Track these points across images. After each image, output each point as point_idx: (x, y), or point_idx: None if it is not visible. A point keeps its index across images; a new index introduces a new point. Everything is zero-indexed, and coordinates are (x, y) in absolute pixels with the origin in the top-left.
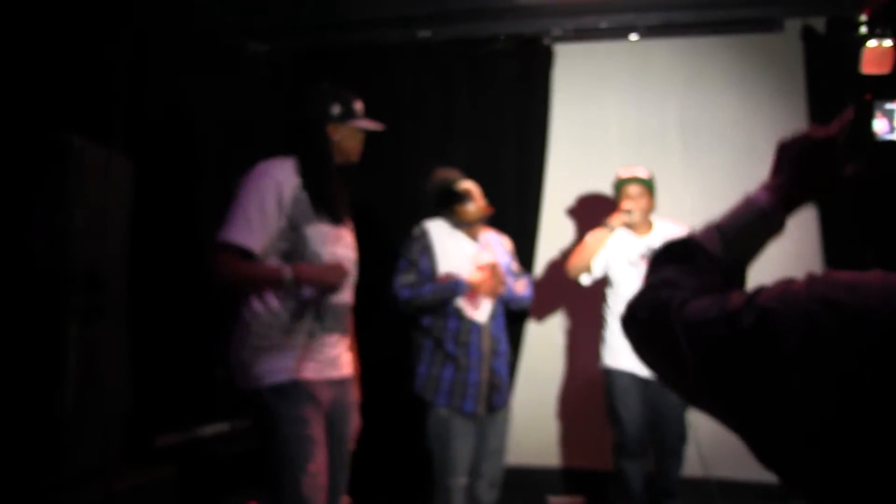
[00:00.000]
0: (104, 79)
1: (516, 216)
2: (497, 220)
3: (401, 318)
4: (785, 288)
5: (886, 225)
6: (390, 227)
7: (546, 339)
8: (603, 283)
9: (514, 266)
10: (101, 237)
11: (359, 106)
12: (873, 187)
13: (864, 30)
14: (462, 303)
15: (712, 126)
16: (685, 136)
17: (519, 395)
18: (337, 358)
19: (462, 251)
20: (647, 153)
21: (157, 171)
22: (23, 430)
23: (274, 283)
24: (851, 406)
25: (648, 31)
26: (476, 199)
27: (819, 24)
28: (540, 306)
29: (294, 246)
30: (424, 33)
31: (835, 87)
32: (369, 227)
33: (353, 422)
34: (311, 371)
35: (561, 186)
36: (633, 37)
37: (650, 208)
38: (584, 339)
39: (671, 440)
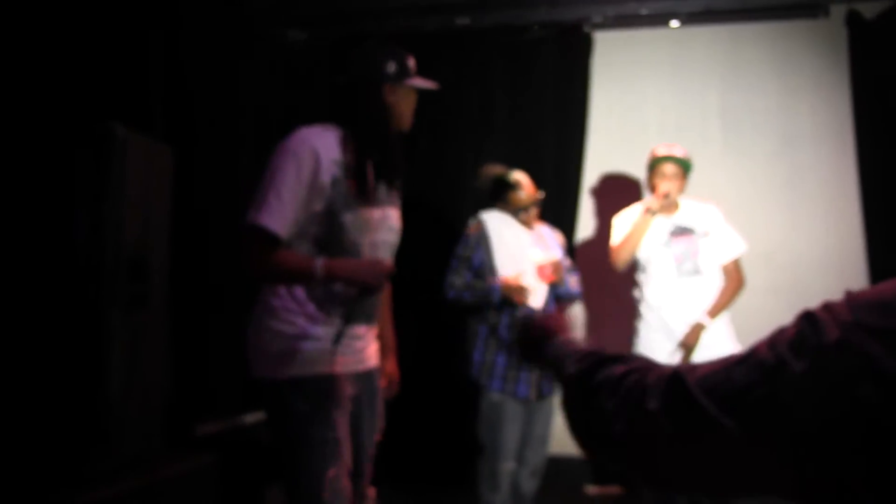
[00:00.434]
0: (145, 68)
1: (555, 204)
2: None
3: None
4: (815, 327)
5: None
6: (431, 217)
7: (588, 328)
8: (632, 269)
9: (567, 261)
10: (144, 225)
11: (412, 62)
12: None
13: None
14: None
15: (753, 114)
16: (725, 124)
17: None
18: (363, 350)
19: (518, 240)
20: (687, 141)
21: (198, 159)
22: (67, 419)
23: (304, 278)
24: None
25: (689, 18)
26: (526, 187)
27: (865, 9)
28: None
29: (329, 233)
30: (463, 21)
31: (880, 75)
32: (409, 218)
33: (380, 411)
34: (338, 365)
35: (600, 175)
36: (675, 23)
37: (681, 189)
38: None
39: None
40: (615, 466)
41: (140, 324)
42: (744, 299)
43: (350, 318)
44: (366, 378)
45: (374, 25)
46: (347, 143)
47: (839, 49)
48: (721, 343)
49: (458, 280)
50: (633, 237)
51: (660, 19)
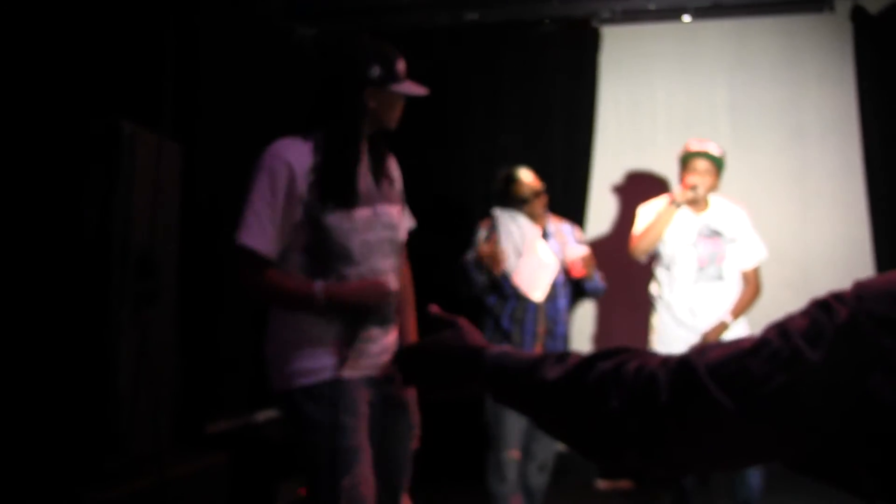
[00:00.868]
0: (154, 64)
1: (564, 199)
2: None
3: (466, 300)
4: (828, 314)
5: None
6: (437, 211)
7: (597, 322)
8: (650, 264)
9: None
10: (153, 222)
11: (401, 66)
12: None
13: None
14: (518, 279)
15: (761, 108)
16: (734, 118)
17: None
18: (379, 354)
19: (523, 233)
20: (696, 135)
21: (207, 155)
22: (76, 415)
23: (304, 305)
24: None
25: (697, 13)
26: (525, 180)
27: (870, 4)
28: None
29: (317, 240)
30: (472, 16)
31: (884, 68)
32: (414, 211)
33: (413, 418)
34: (350, 370)
35: (609, 169)
36: (686, 18)
37: (713, 187)
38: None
39: None
40: (624, 464)
41: (149, 321)
42: None
43: (357, 323)
44: (387, 383)
45: (382, 21)
46: (321, 146)
47: (845, 43)
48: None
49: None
50: (655, 227)
51: (668, 14)
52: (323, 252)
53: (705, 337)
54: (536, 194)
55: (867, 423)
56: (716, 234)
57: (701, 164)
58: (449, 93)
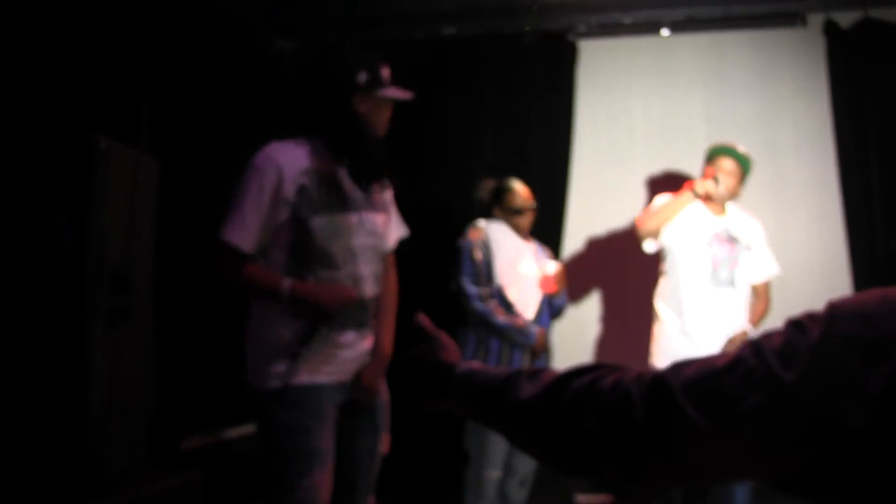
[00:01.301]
0: (131, 79)
1: (543, 211)
2: None
3: (446, 312)
4: (802, 335)
5: None
6: (417, 223)
7: (576, 335)
8: (647, 268)
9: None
10: (128, 238)
11: (386, 72)
12: None
13: None
14: (513, 298)
15: (736, 120)
16: (710, 131)
17: None
18: (353, 359)
19: (517, 251)
20: (673, 148)
21: (185, 171)
22: (48, 432)
23: (272, 296)
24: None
25: (672, 27)
26: (522, 191)
27: (842, 19)
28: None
29: (300, 241)
30: (450, 30)
31: (856, 81)
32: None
33: (382, 422)
34: (320, 375)
35: (587, 182)
36: (665, 32)
37: (735, 193)
38: (615, 333)
39: None
40: (602, 480)
41: (123, 337)
42: None
43: (322, 325)
44: (357, 388)
45: (361, 34)
46: (317, 151)
47: (818, 57)
48: None
49: (485, 292)
50: (666, 210)
51: (644, 28)
52: (305, 253)
53: (730, 343)
54: (530, 207)
55: (839, 445)
56: (732, 238)
57: (727, 164)
58: (427, 106)
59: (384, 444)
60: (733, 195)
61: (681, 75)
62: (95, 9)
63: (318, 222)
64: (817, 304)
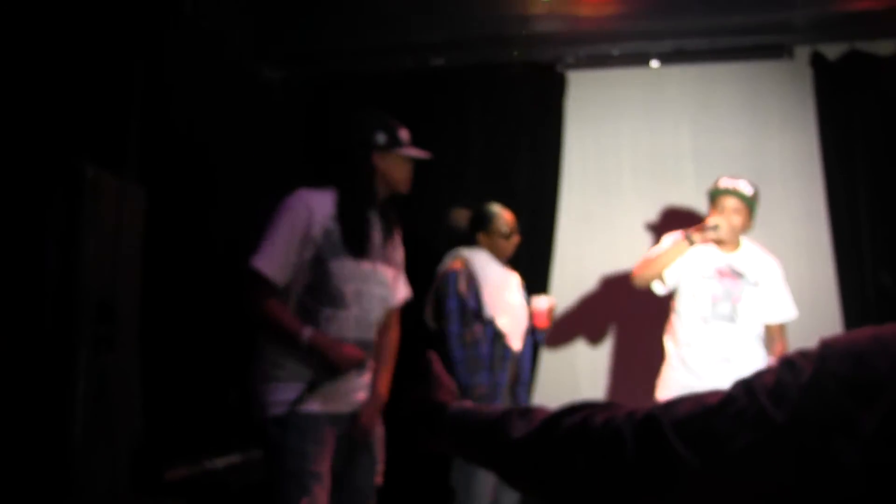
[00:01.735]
0: (118, 107)
1: (530, 242)
2: None
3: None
4: (793, 373)
5: None
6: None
7: (565, 367)
8: (636, 301)
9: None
10: (114, 266)
11: (404, 134)
12: None
13: None
14: (503, 328)
15: (724, 152)
16: (698, 162)
17: None
18: (351, 392)
19: (504, 281)
20: (661, 179)
21: (171, 199)
22: (32, 461)
23: (291, 338)
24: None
25: (660, 59)
26: (506, 215)
27: (828, 51)
28: (557, 333)
29: (318, 279)
30: (438, 61)
31: (843, 113)
32: None
33: (377, 454)
34: (318, 404)
35: (575, 213)
36: (654, 64)
37: (744, 227)
38: (604, 366)
39: None
40: None
41: (108, 365)
42: None
43: (329, 372)
44: (354, 420)
45: (349, 65)
46: (340, 200)
47: (805, 89)
48: None
49: (468, 336)
50: (661, 259)
51: (632, 59)
52: (319, 292)
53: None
54: (516, 231)
55: (830, 485)
56: (736, 273)
57: (730, 203)
58: (415, 136)
59: (379, 476)
60: (742, 230)
61: (669, 106)
62: (83, 36)
63: (337, 264)
64: (806, 336)
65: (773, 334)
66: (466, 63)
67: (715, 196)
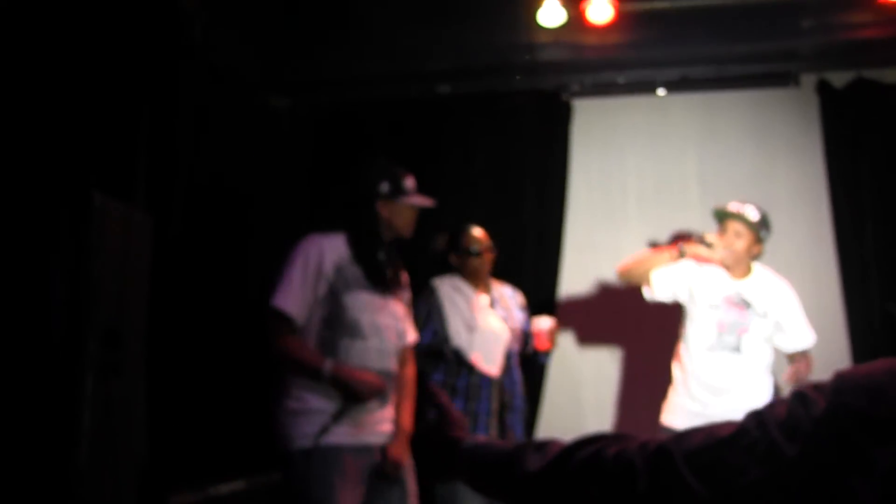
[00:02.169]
0: (126, 135)
1: (536, 270)
2: (517, 274)
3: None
4: (805, 406)
5: None
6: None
7: (570, 393)
8: (642, 325)
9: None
10: (121, 294)
11: (409, 183)
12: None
13: None
14: (475, 358)
15: (730, 179)
16: (704, 190)
17: None
18: (376, 423)
19: (474, 304)
20: (667, 206)
21: (178, 227)
22: (38, 486)
23: (313, 372)
24: None
25: (666, 87)
26: (476, 232)
27: (835, 78)
28: (563, 359)
29: (334, 312)
30: (444, 89)
31: (850, 140)
32: None
33: (408, 488)
34: (342, 436)
35: (580, 240)
36: (660, 92)
37: (750, 253)
38: (610, 391)
39: None
40: None
41: (114, 392)
42: None
43: (351, 401)
44: (381, 454)
45: (356, 93)
46: (349, 244)
47: (812, 116)
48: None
49: (429, 368)
50: (646, 260)
51: (637, 87)
52: (337, 325)
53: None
54: (487, 248)
55: None
56: (745, 303)
57: (732, 226)
58: (420, 164)
59: None
60: (749, 255)
61: (674, 134)
62: (92, 64)
63: (350, 297)
64: (814, 363)
65: (795, 358)
66: (472, 91)
67: (720, 219)
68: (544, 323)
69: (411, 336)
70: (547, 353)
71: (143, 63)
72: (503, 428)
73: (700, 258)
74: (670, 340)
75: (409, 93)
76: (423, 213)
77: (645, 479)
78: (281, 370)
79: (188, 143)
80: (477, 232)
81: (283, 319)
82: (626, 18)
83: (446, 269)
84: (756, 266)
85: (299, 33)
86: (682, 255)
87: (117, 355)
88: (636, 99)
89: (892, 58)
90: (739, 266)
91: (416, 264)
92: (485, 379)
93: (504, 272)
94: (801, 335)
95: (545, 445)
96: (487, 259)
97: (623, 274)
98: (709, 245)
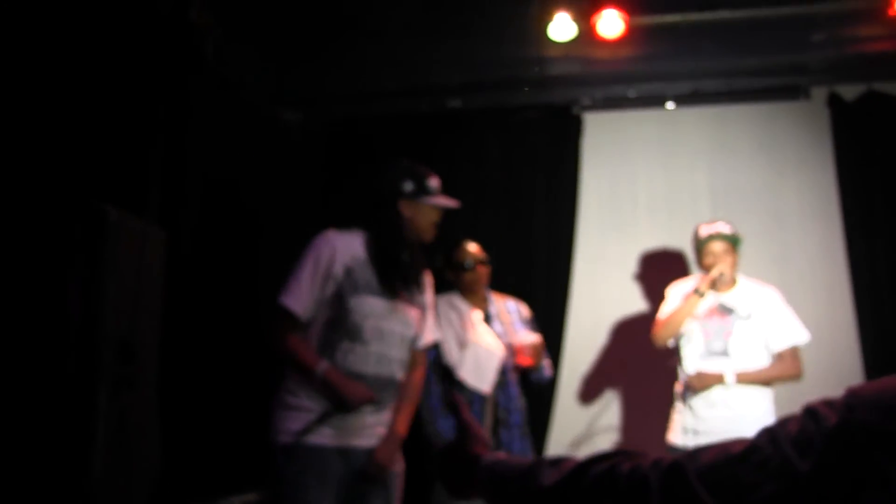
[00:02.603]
0: (140, 150)
1: (548, 283)
2: (528, 288)
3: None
4: (816, 422)
5: None
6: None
7: (579, 407)
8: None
9: (538, 339)
10: (135, 308)
11: (434, 183)
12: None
13: None
14: (464, 374)
15: (741, 193)
16: (714, 203)
17: None
18: (369, 427)
19: (467, 321)
20: (677, 220)
21: (191, 241)
22: (52, 498)
23: (307, 372)
24: None
25: (677, 100)
26: (468, 246)
27: (845, 91)
28: (573, 373)
29: (337, 315)
30: (455, 103)
31: (861, 153)
32: None
33: (392, 493)
34: (328, 437)
35: (591, 254)
36: (670, 105)
37: (735, 264)
38: (621, 405)
39: None
40: None
41: (127, 406)
42: None
43: (341, 407)
44: (367, 457)
45: (368, 107)
46: (367, 244)
47: (822, 129)
48: (762, 421)
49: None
50: (676, 317)
51: (648, 101)
52: (339, 327)
53: (695, 377)
54: (480, 262)
55: None
56: (727, 310)
57: (717, 246)
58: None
59: None
60: (734, 268)
61: (685, 148)
62: (105, 81)
63: (356, 301)
64: (826, 377)
65: (784, 359)
66: (483, 105)
67: (701, 245)
68: (526, 338)
69: (425, 340)
70: (534, 370)
71: (155, 78)
72: (498, 445)
73: (719, 287)
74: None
75: (420, 107)
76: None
77: (658, 496)
78: (282, 365)
79: (201, 158)
80: (471, 247)
81: (288, 317)
82: (637, 32)
83: (446, 286)
84: (740, 278)
85: (311, 48)
86: (702, 296)
87: (131, 368)
88: (647, 112)
89: None
90: (729, 281)
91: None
92: (476, 395)
93: (515, 285)
94: (789, 330)
95: (560, 461)
96: (482, 273)
97: (659, 338)
98: (721, 275)
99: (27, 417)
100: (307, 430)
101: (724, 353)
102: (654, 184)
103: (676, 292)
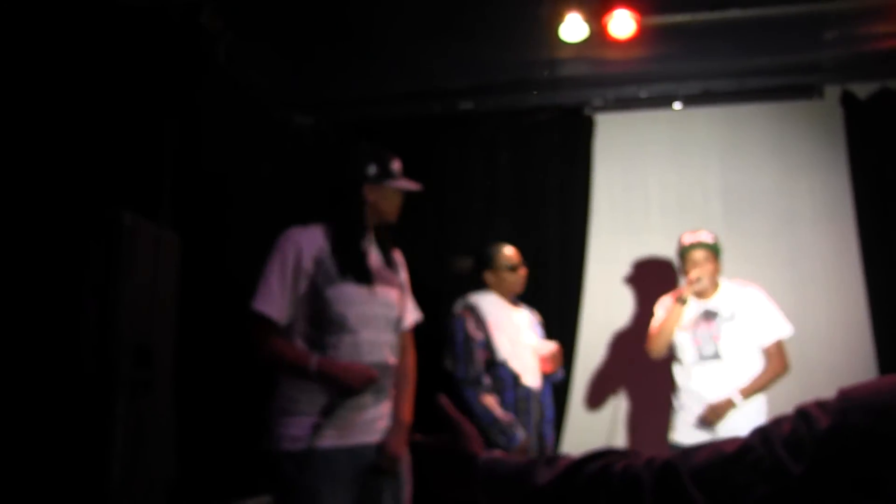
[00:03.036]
0: (154, 155)
1: (560, 284)
2: (541, 289)
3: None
4: (808, 424)
5: None
6: (435, 298)
7: (591, 408)
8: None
9: (552, 343)
10: (150, 312)
11: (396, 166)
12: None
13: None
14: (519, 369)
15: (753, 192)
16: (727, 203)
17: None
18: (371, 422)
19: (511, 322)
20: (689, 220)
21: (205, 245)
22: (70, 501)
23: (300, 371)
24: None
25: (688, 100)
26: (509, 249)
27: (859, 90)
28: (585, 373)
29: (318, 308)
30: (467, 105)
31: (875, 152)
32: (416, 297)
33: (404, 487)
34: (331, 438)
35: (603, 254)
36: (678, 105)
37: (717, 272)
38: (632, 407)
39: None
40: None
41: (144, 409)
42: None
43: (343, 397)
44: (377, 452)
45: (379, 110)
46: (331, 233)
47: (836, 128)
48: (754, 416)
49: (472, 375)
50: (665, 327)
51: (659, 101)
52: (324, 321)
53: (708, 411)
54: (522, 264)
55: None
56: (711, 315)
57: (698, 255)
58: (444, 180)
59: (407, 500)
60: (716, 274)
61: (697, 148)
62: (119, 86)
63: (333, 291)
64: (840, 378)
65: (770, 355)
66: (495, 107)
67: (684, 253)
68: (545, 347)
69: (410, 319)
70: (552, 376)
71: (168, 83)
72: (542, 438)
73: (700, 294)
74: None
75: (432, 110)
76: (446, 230)
77: (651, 496)
78: (273, 372)
79: (214, 162)
80: (509, 249)
81: (265, 322)
82: (648, 33)
83: (467, 287)
84: (722, 282)
85: (322, 52)
86: (684, 303)
87: (148, 372)
88: (658, 113)
89: None
90: (709, 287)
91: (441, 283)
92: (529, 392)
93: (527, 286)
94: (772, 325)
95: (555, 460)
96: (522, 274)
97: (654, 350)
98: (699, 281)
99: (46, 421)
100: (316, 432)
101: (716, 356)
102: (666, 185)
103: (663, 305)
